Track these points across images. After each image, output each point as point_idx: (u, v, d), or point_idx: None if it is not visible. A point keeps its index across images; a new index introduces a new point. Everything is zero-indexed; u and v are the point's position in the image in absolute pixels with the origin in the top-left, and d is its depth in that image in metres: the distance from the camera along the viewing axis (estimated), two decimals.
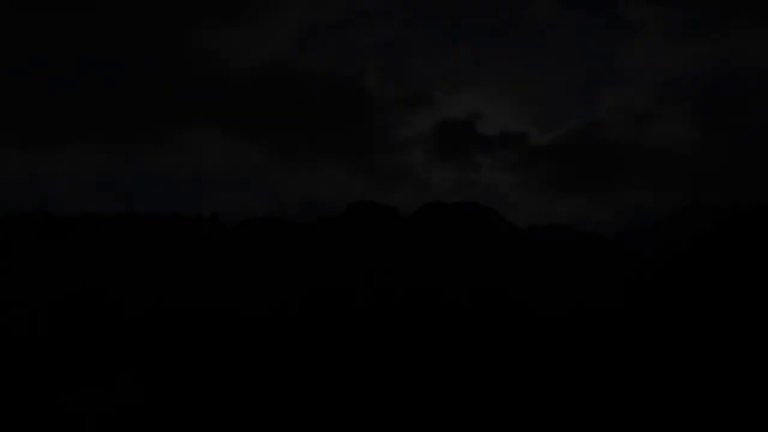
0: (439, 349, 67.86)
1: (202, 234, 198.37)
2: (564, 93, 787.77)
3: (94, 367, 73.79)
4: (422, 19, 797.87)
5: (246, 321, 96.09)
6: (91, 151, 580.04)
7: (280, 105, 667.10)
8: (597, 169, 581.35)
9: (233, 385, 62.28)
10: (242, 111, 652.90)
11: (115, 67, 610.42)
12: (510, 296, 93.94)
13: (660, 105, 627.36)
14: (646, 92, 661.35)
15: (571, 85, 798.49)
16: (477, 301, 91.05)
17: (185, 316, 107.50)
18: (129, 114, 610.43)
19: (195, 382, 55.81)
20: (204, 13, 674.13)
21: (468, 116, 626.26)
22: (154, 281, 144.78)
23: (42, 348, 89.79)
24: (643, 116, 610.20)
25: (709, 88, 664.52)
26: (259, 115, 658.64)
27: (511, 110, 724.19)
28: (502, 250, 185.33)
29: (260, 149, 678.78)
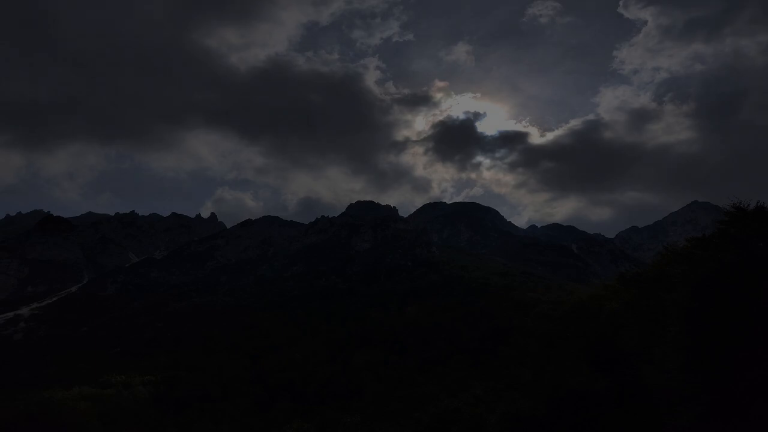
0: (439, 345, 67.83)
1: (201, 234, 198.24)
2: (564, 93, 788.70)
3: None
4: (422, 19, 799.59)
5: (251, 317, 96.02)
6: (91, 151, 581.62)
7: (280, 105, 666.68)
8: (597, 169, 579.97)
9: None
10: (242, 111, 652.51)
11: (115, 67, 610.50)
12: (510, 295, 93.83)
13: (660, 105, 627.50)
14: (646, 92, 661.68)
15: (571, 85, 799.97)
16: (477, 300, 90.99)
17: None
18: (129, 114, 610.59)
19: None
20: (204, 14, 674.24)
21: (468, 116, 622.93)
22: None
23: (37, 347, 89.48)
24: (643, 116, 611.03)
25: (709, 88, 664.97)
26: (259, 115, 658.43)
27: (511, 110, 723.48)
28: (502, 250, 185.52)
29: (260, 149, 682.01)
